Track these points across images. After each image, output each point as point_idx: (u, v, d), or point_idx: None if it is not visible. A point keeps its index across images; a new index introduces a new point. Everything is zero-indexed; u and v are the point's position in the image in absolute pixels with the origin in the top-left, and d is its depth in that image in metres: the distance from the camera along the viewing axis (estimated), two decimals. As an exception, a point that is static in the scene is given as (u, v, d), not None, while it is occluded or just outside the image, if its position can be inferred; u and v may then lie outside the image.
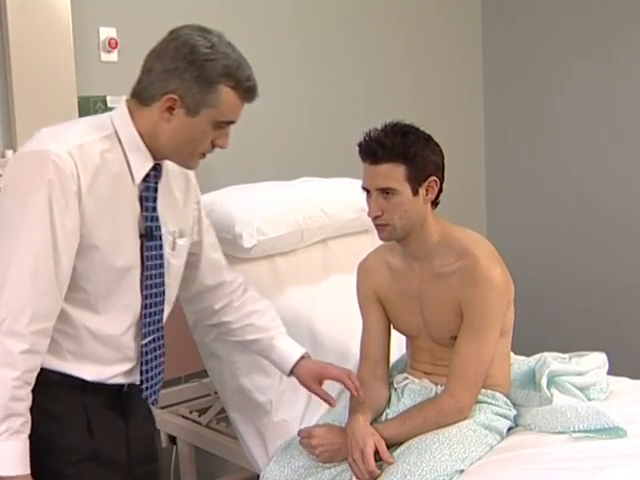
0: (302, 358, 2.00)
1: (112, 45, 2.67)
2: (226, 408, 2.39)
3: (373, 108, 3.27)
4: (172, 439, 2.67)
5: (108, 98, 2.67)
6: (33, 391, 1.56)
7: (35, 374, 1.55)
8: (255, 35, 2.95)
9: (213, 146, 1.69)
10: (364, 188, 1.98)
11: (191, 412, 2.67)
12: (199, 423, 2.60)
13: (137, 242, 1.69)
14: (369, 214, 1.98)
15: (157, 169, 1.71)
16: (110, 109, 2.64)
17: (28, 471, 1.54)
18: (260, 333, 2.02)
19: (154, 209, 1.70)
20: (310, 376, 1.98)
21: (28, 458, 1.54)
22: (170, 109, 1.61)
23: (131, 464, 1.78)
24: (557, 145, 3.76)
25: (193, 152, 1.69)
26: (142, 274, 1.70)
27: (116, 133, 1.65)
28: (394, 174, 1.91)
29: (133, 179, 1.66)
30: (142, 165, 1.67)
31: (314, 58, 3.29)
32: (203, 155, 1.71)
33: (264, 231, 2.37)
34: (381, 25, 3.51)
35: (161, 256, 1.73)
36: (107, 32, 2.68)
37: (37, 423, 1.57)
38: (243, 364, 2.32)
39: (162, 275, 1.74)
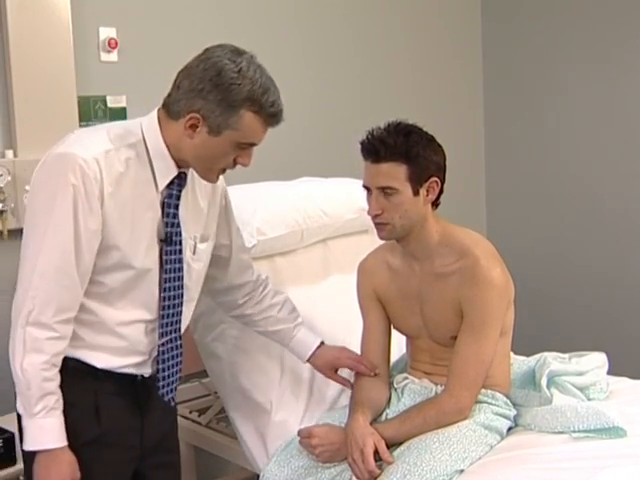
0: (318, 347, 2.14)
1: (112, 45, 2.68)
2: (226, 408, 2.39)
3: (373, 108, 3.26)
4: (172, 439, 2.67)
5: (108, 98, 2.68)
6: None
7: (61, 357, 1.66)
8: (254, 34, 2.94)
9: (235, 163, 1.74)
10: (365, 186, 1.98)
11: (191, 412, 2.67)
12: (199, 423, 2.60)
13: (156, 246, 1.74)
14: (369, 212, 1.98)
15: (181, 177, 1.76)
16: (110, 109, 2.66)
17: (65, 443, 1.66)
18: (281, 324, 2.14)
19: (175, 215, 1.76)
20: (325, 366, 2.15)
21: (64, 431, 1.66)
22: (194, 127, 1.67)
23: (144, 452, 1.84)
24: (557, 145, 3.76)
25: (212, 167, 1.74)
26: (161, 277, 1.76)
27: (144, 140, 1.70)
28: (395, 173, 1.91)
29: (157, 186, 1.72)
30: (166, 173, 1.72)
31: (314, 58, 3.29)
32: (223, 170, 1.77)
33: (264, 231, 2.38)
34: (381, 25, 3.51)
35: (180, 260, 1.79)
36: (107, 32, 2.68)
37: None
38: (243, 364, 2.32)
39: (180, 278, 1.80)
